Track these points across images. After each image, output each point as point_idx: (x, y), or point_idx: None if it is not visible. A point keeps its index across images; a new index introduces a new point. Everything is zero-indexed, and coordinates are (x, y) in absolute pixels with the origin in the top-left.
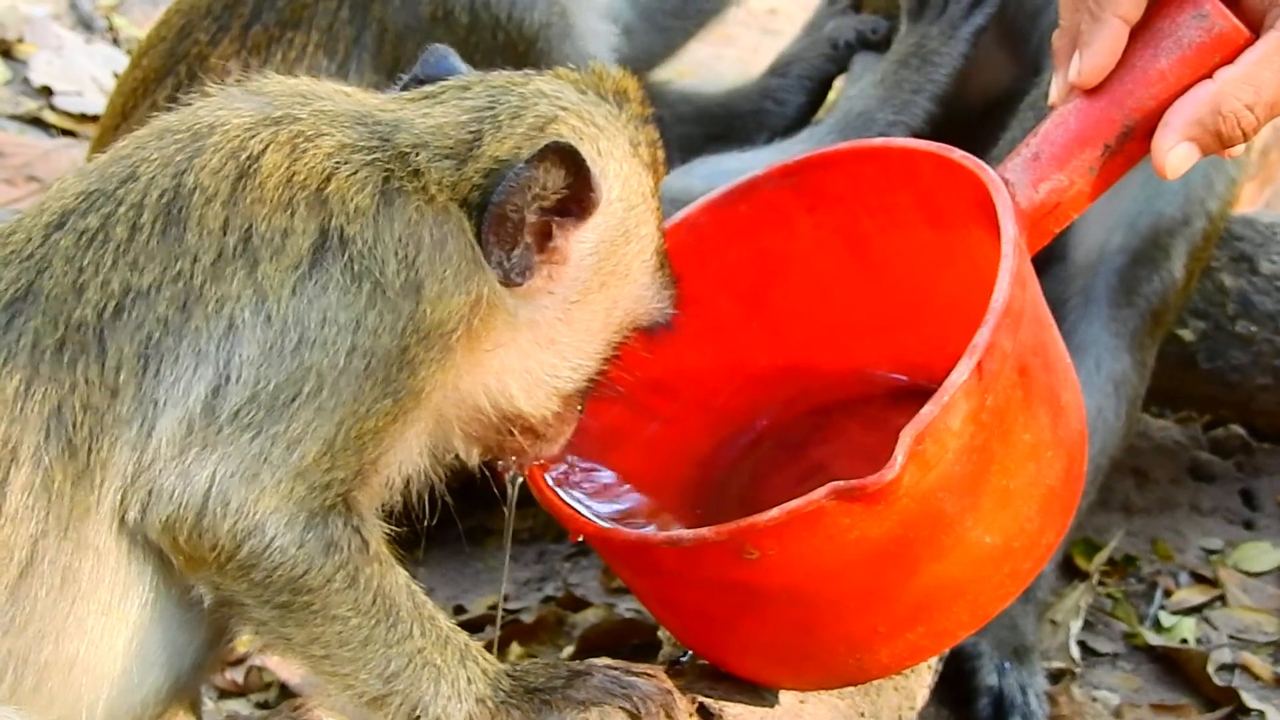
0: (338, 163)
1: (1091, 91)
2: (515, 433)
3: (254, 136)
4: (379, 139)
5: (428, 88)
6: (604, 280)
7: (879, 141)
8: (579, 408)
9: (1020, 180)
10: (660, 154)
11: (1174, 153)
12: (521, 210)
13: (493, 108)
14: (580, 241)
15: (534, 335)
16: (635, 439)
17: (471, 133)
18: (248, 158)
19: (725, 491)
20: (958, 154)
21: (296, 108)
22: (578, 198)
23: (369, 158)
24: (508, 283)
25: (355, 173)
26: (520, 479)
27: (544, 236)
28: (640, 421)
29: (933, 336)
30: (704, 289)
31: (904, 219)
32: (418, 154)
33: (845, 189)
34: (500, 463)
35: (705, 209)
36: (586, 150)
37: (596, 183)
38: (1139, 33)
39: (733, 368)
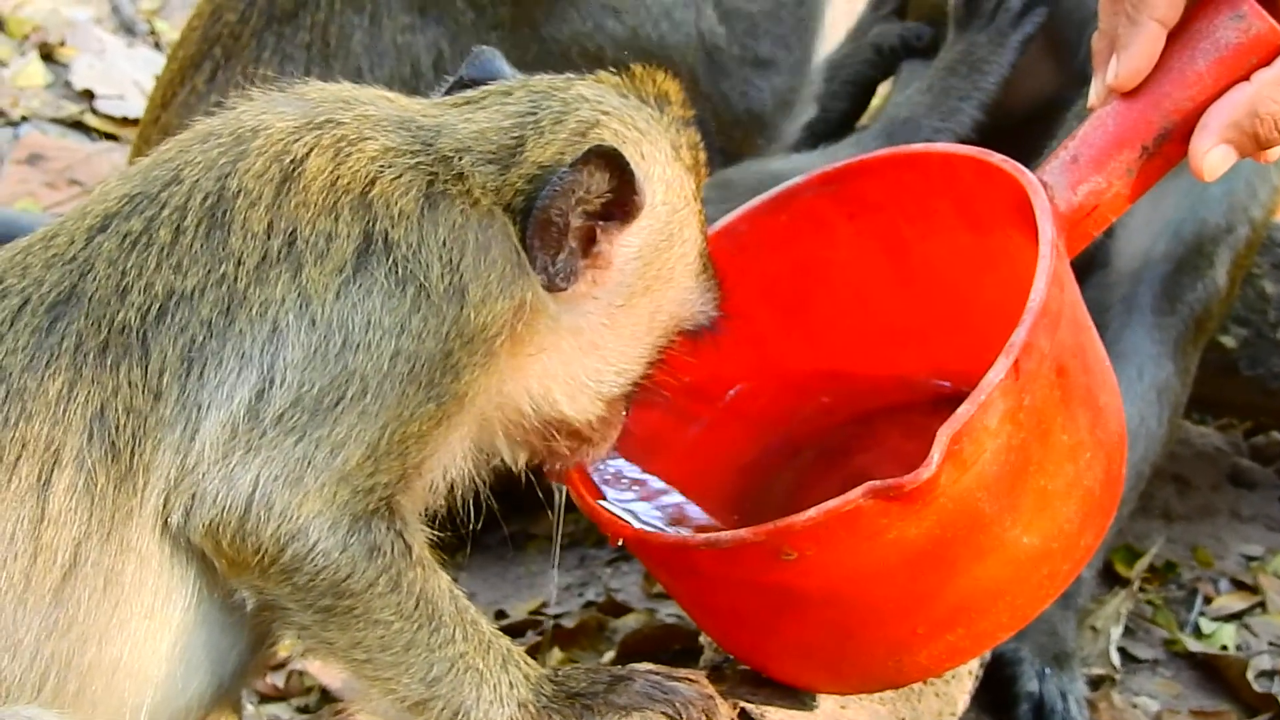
0: (382, 166)
1: (1129, 94)
2: (559, 437)
3: (297, 140)
4: (422, 143)
5: (469, 93)
6: (648, 284)
7: (918, 147)
8: (624, 411)
9: (1058, 182)
10: (702, 156)
11: (1211, 155)
12: (566, 214)
13: (535, 113)
14: (624, 246)
15: (577, 341)
16: (676, 444)
17: (514, 138)
18: (291, 161)
19: (767, 499)
20: (996, 158)
21: (339, 112)
22: (621, 202)
23: (412, 161)
24: (552, 287)
25: (399, 176)
26: (565, 485)
27: (588, 241)
28: (681, 427)
29: (974, 342)
30: (744, 296)
31: (943, 224)
32: (461, 158)
33: (885, 196)
34: (545, 467)
35: (745, 217)
36: (629, 154)
37: (640, 186)
38: (1176, 35)
39: (773, 375)
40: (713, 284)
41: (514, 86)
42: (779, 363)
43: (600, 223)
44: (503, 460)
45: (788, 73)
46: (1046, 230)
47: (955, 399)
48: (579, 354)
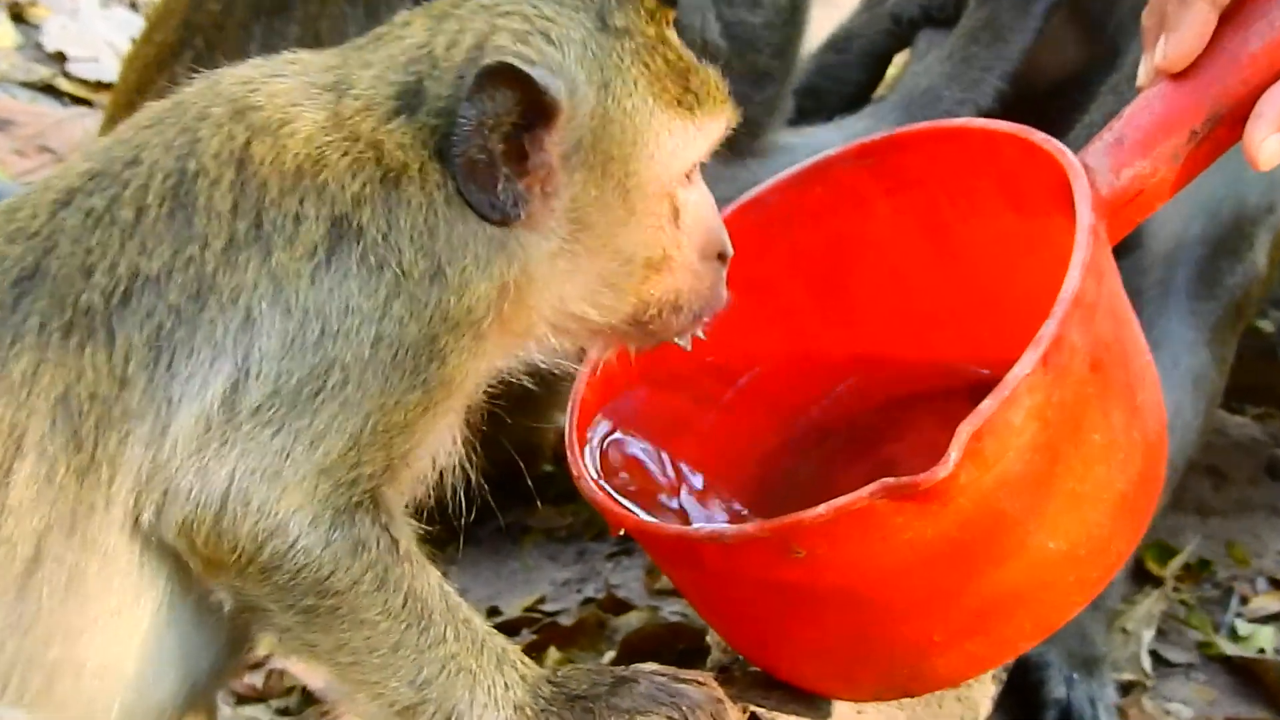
0: (320, 149)
1: (1179, 75)
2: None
3: (233, 129)
4: (333, 107)
5: (376, 30)
6: (607, 157)
7: (959, 122)
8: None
9: (1101, 166)
10: (661, 13)
11: (1268, 144)
12: (487, 147)
13: (428, 45)
14: (559, 144)
15: (565, 263)
16: (695, 428)
17: (412, 75)
18: (241, 146)
19: (790, 488)
20: (1039, 136)
21: (250, 96)
22: (536, 105)
23: (342, 136)
24: (505, 222)
25: (342, 157)
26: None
27: (520, 160)
28: (701, 410)
29: (1016, 328)
30: (773, 272)
31: (985, 204)
32: (364, 121)
33: (925, 171)
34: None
35: (776, 188)
36: (527, 52)
37: (546, 85)
38: (1229, 16)
39: (801, 356)
40: (706, 106)
41: (414, 16)
42: (807, 343)
43: (524, 134)
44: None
45: (780, 81)
46: (1085, 216)
47: (994, 387)
48: (571, 272)
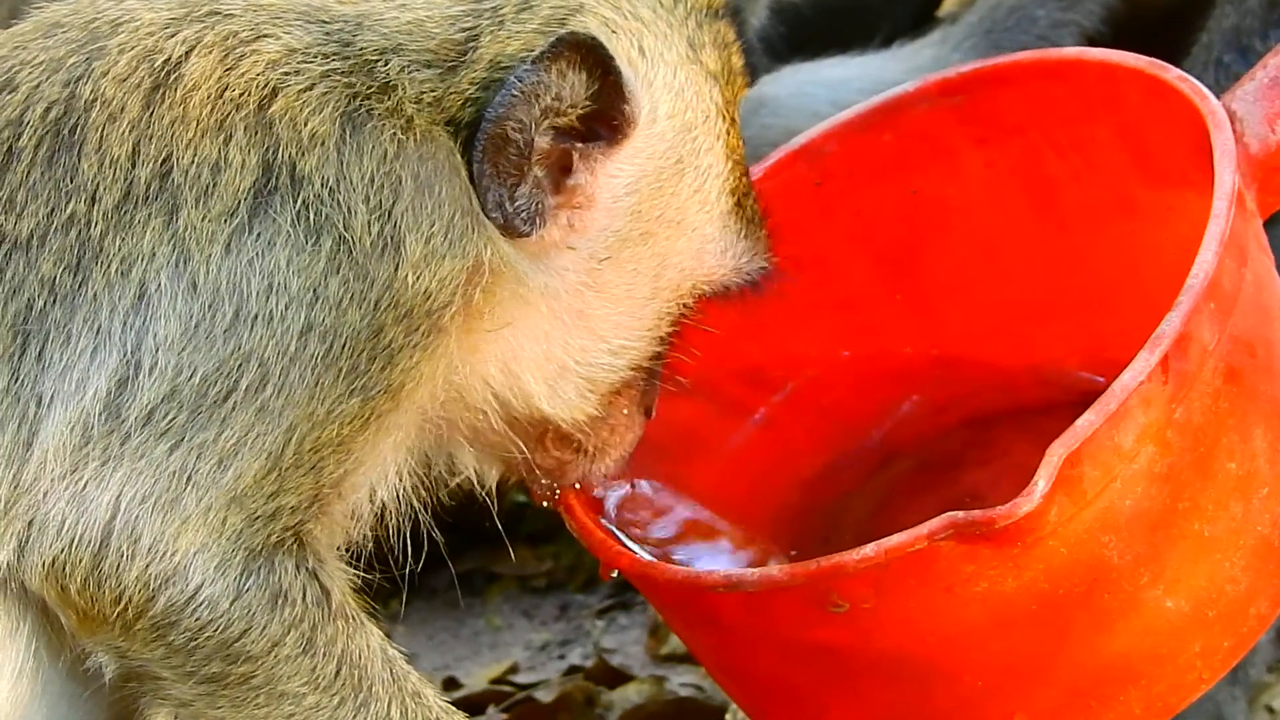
0: (285, 74)
1: None
2: (546, 444)
3: (174, 36)
4: (338, 43)
5: None
6: (647, 230)
7: (1071, 52)
8: (642, 410)
9: (1251, 114)
10: (737, 60)
11: None
12: (529, 130)
13: (493, 2)
14: (612, 176)
15: (553, 308)
16: (719, 446)
17: (464, 30)
18: (165, 63)
19: (839, 525)
20: (1172, 73)
21: (227, 0)
22: (607, 114)
23: (325, 67)
24: (511, 233)
25: (310, 88)
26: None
27: (561, 171)
28: (727, 423)
29: (1142, 325)
30: (827, 245)
31: (1104, 161)
32: (388, 61)
33: (1025, 116)
34: (534, 487)
35: (832, 135)
36: (620, 48)
37: (633, 93)
38: None
39: (862, 357)
40: (754, 230)
41: None
42: (871, 339)
43: (578, 145)
44: (467, 478)
45: None
46: (1226, 178)
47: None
48: (558, 327)
